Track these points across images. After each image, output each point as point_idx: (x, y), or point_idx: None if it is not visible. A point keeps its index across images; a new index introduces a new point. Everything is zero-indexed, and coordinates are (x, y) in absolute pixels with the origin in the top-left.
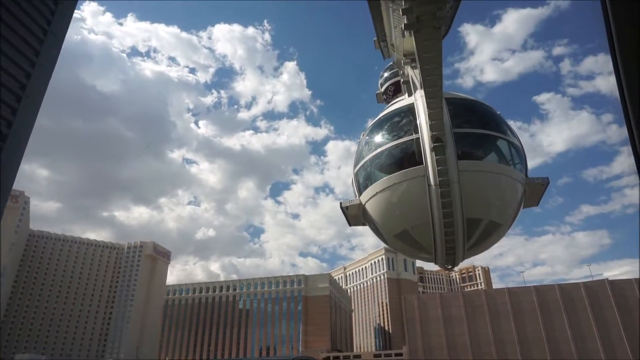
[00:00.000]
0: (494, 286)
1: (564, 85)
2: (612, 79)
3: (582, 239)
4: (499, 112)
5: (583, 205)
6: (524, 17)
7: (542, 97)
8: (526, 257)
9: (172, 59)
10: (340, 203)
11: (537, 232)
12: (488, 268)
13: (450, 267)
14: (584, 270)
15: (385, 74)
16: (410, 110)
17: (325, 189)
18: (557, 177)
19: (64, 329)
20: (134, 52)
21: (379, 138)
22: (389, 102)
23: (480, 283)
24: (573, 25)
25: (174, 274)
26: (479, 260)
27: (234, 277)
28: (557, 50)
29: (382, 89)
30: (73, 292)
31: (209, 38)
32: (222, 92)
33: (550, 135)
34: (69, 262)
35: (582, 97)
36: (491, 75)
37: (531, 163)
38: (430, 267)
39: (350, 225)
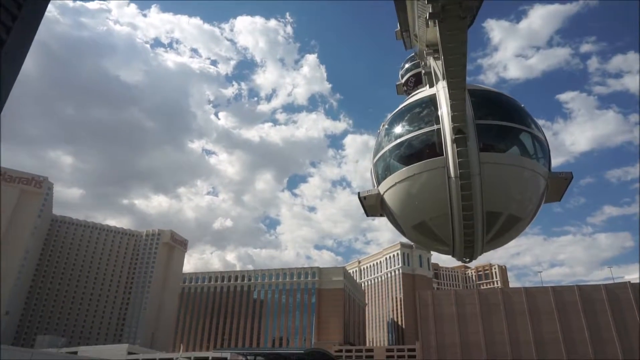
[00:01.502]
0: (510, 285)
1: (590, 84)
2: None
3: (603, 240)
4: (523, 105)
5: (606, 206)
6: (551, 13)
7: (565, 96)
8: (544, 257)
9: (194, 51)
10: (359, 193)
11: (557, 232)
12: (505, 267)
13: (468, 260)
14: (603, 272)
15: (407, 65)
16: (431, 101)
17: (342, 182)
18: (579, 177)
19: (83, 312)
20: (157, 43)
21: (399, 129)
22: (409, 94)
23: (497, 281)
24: (603, 22)
25: (191, 263)
26: (495, 258)
27: (250, 267)
28: (585, 48)
29: (403, 80)
30: (92, 277)
31: (231, 30)
32: (242, 84)
33: (574, 134)
34: (89, 248)
35: (610, 96)
36: (514, 72)
37: (553, 162)
38: (446, 263)
39: (367, 215)
